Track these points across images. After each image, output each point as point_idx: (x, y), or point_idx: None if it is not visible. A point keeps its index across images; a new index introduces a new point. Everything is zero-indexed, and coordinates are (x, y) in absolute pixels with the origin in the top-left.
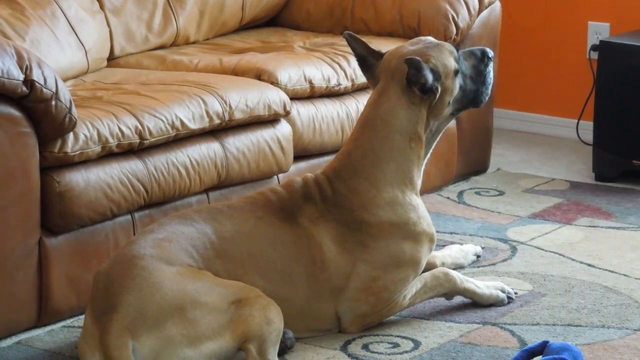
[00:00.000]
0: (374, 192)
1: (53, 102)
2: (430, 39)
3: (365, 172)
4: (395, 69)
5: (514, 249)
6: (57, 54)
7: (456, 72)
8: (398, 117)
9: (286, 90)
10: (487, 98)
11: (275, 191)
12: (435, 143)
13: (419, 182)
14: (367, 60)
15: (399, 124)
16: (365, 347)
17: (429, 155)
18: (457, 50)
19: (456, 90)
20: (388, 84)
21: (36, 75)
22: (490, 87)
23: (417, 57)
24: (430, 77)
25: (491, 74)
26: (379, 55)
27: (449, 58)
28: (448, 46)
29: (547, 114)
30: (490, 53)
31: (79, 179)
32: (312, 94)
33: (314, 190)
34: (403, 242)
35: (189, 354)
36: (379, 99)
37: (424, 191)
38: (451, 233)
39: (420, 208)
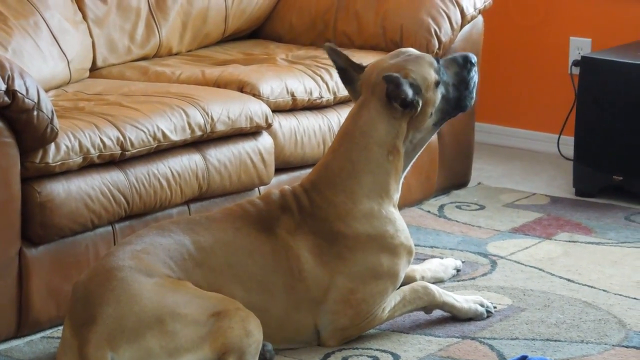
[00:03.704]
0: (350, 204)
1: (35, 113)
2: (411, 50)
3: (342, 184)
4: (375, 84)
5: (493, 264)
6: (40, 64)
7: (437, 84)
8: (377, 129)
9: (268, 103)
10: (472, 102)
11: (253, 203)
12: (416, 156)
13: (396, 196)
14: (349, 72)
15: (377, 136)
16: None
17: (408, 168)
18: (438, 61)
19: (438, 100)
20: (369, 98)
21: (18, 86)
22: (474, 91)
23: (395, 74)
24: (410, 92)
25: (475, 78)
26: (360, 68)
27: (428, 70)
28: (428, 58)
29: (528, 128)
30: (473, 58)
31: (60, 190)
32: (294, 107)
33: (291, 201)
34: (380, 254)
35: None
36: (359, 112)
37: (405, 204)
38: (431, 247)
39: (397, 221)
